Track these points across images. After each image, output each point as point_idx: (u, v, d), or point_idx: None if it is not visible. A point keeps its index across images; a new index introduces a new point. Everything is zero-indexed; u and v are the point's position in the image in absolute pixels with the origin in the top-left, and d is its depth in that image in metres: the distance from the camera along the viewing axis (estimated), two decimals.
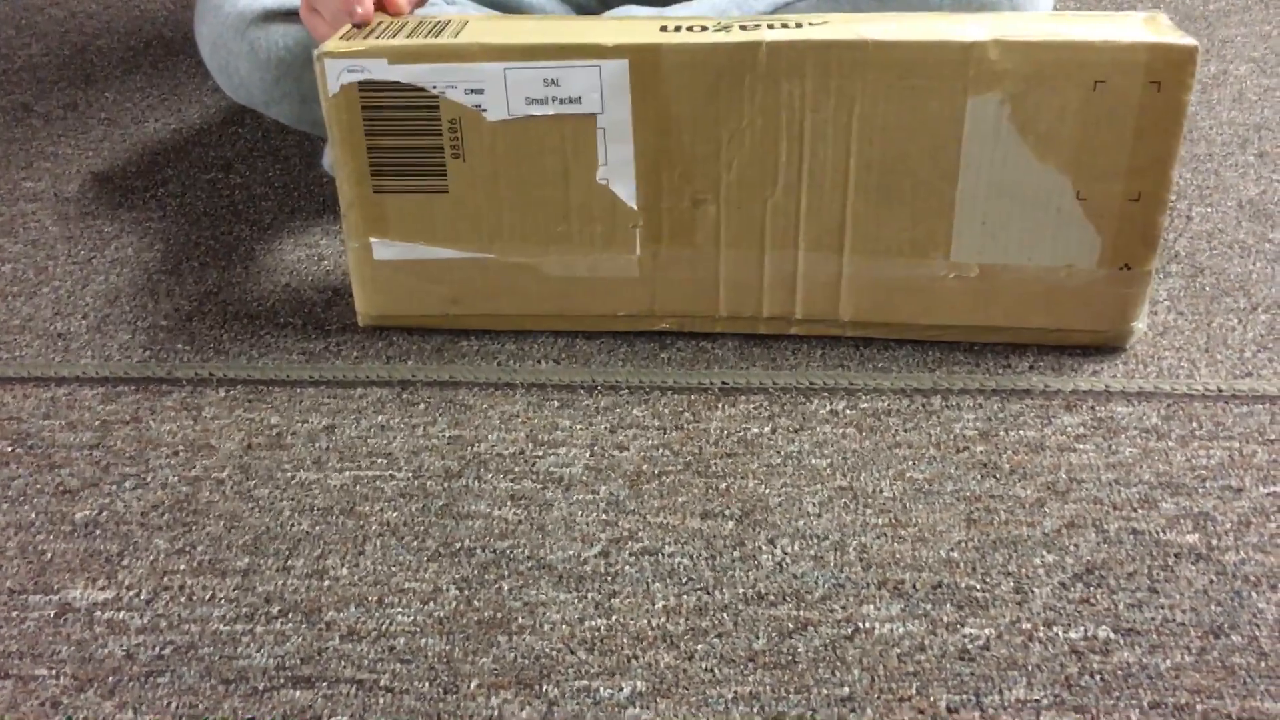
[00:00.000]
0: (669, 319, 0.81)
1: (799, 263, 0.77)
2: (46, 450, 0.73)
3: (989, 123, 0.71)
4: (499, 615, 0.60)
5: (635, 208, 0.77)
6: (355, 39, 0.75)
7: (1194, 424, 0.72)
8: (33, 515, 0.68)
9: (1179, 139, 0.71)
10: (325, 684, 0.57)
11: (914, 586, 0.61)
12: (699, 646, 0.58)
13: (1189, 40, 0.69)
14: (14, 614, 0.61)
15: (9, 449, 0.73)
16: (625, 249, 0.78)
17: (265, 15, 0.88)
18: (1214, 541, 0.64)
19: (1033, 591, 0.61)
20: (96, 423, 0.75)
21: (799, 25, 0.73)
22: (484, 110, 0.75)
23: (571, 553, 0.64)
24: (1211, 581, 0.61)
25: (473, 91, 0.74)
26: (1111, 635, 0.58)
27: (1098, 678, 0.56)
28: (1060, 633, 0.58)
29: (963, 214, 0.74)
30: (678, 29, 0.74)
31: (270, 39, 0.88)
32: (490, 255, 0.79)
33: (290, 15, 0.88)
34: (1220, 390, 0.75)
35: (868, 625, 0.59)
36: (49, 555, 0.65)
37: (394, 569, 0.63)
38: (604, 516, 0.66)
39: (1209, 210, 0.96)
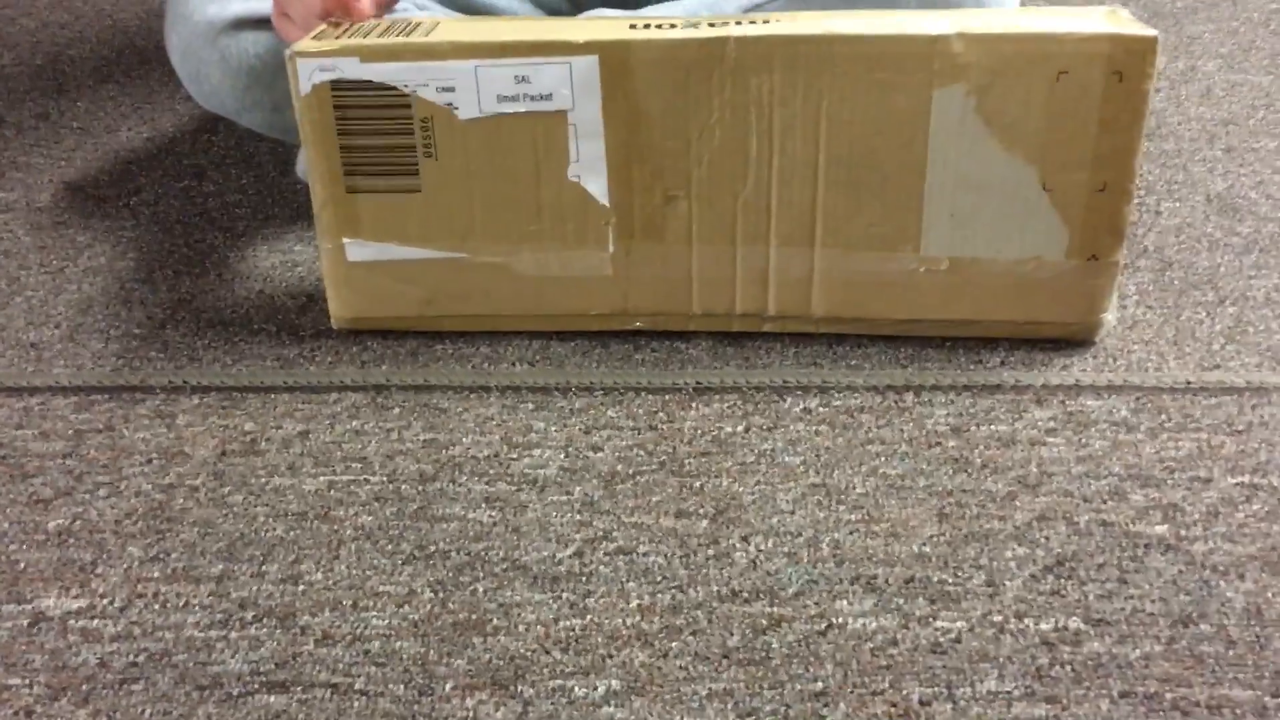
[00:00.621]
0: (642, 317, 0.81)
1: (771, 258, 0.78)
2: (19, 460, 0.72)
3: (955, 115, 0.72)
4: (474, 617, 0.60)
5: (607, 204, 0.77)
6: (327, 39, 0.75)
7: (1163, 416, 0.73)
8: (5, 525, 0.67)
9: (1142, 129, 0.71)
10: (300, 688, 0.57)
11: (886, 581, 0.62)
12: (673, 644, 0.58)
13: (1149, 31, 0.69)
14: None
15: None
16: (598, 246, 0.79)
17: (236, 23, 0.88)
18: (1183, 532, 0.64)
19: (1004, 584, 0.61)
20: (70, 432, 0.75)
21: (767, 22, 0.74)
22: (456, 108, 0.75)
23: (546, 554, 0.64)
24: (1180, 571, 0.62)
25: (444, 90, 0.74)
26: (1082, 626, 0.59)
27: (1068, 668, 0.56)
28: (1031, 624, 0.59)
29: (931, 207, 0.75)
30: (646, 26, 0.74)
31: (241, 47, 0.88)
32: (463, 255, 0.80)
33: (261, 23, 0.88)
34: (1189, 383, 0.76)
35: (841, 620, 0.59)
36: (22, 565, 0.65)
37: (369, 573, 0.63)
38: (579, 517, 0.66)
39: (1177, 205, 0.97)
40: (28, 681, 0.58)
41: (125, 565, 0.64)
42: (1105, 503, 0.66)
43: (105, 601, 0.62)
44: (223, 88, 0.90)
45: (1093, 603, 0.60)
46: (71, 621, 0.61)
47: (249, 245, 0.95)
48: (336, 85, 0.75)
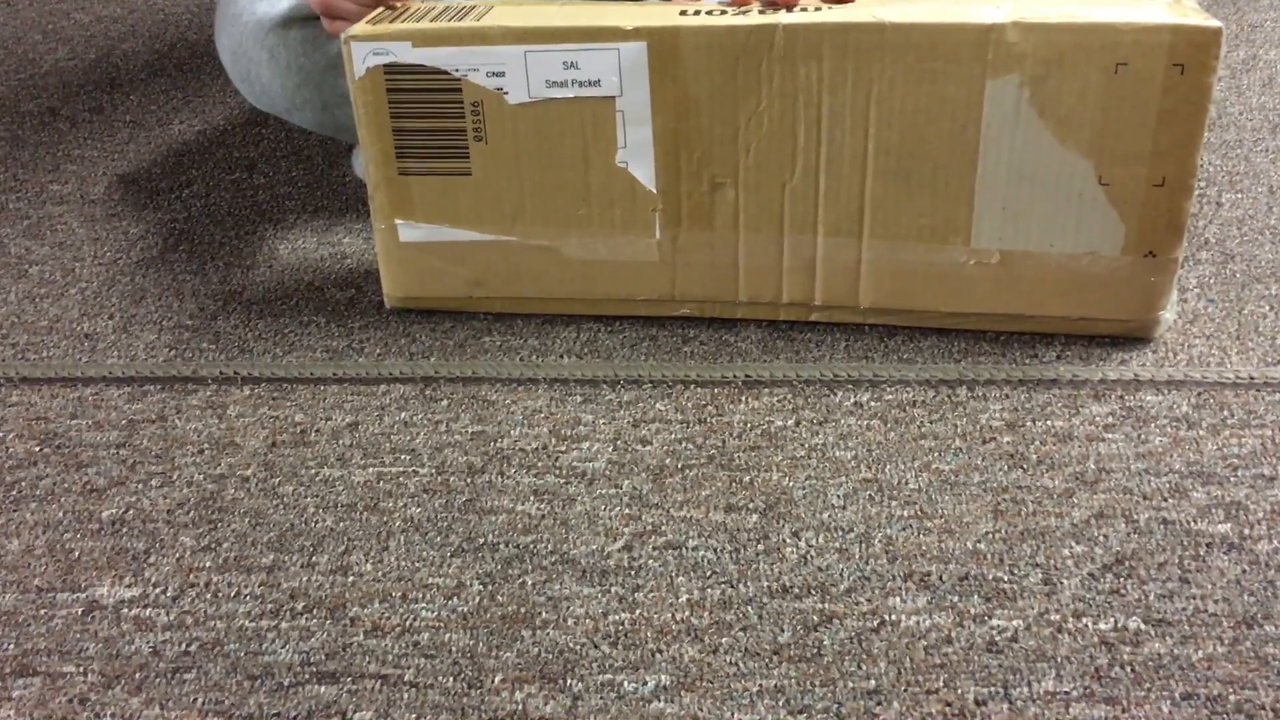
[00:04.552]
0: (689, 304, 0.81)
1: (818, 247, 0.77)
2: (74, 449, 0.73)
3: (1009, 106, 0.71)
4: (523, 610, 0.60)
5: (654, 191, 0.77)
6: (381, 23, 0.76)
7: (1225, 412, 0.71)
8: (60, 514, 0.68)
9: (1203, 123, 0.70)
10: (350, 679, 0.57)
11: (940, 578, 0.61)
12: (723, 640, 0.58)
13: (1213, 22, 0.67)
14: (42, 611, 0.61)
15: (37, 449, 0.73)
16: (645, 232, 0.78)
17: (284, 22, 0.89)
18: (1246, 531, 0.63)
19: (1061, 583, 0.60)
20: (123, 422, 0.75)
21: (818, 9, 0.73)
22: (505, 93, 0.75)
23: (595, 547, 0.64)
24: (1244, 571, 0.60)
25: (494, 74, 0.75)
26: (1142, 626, 0.57)
27: (1128, 669, 0.55)
28: (1090, 624, 0.58)
29: (983, 199, 0.74)
30: (697, 13, 0.74)
31: (290, 45, 0.88)
32: (512, 238, 0.80)
33: (310, 20, 0.88)
34: (1252, 378, 0.74)
35: (894, 618, 0.58)
36: (77, 553, 0.65)
37: (418, 564, 0.63)
38: (627, 511, 0.66)
39: (1239, 196, 0.95)
40: (82, 669, 0.58)
41: (177, 555, 0.65)
42: (1166, 500, 0.65)
43: (158, 590, 0.62)
44: (273, 87, 0.90)
45: (1153, 602, 0.58)
46: (125, 610, 0.61)
47: (299, 237, 0.96)
48: (390, 69, 0.75)
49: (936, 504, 0.65)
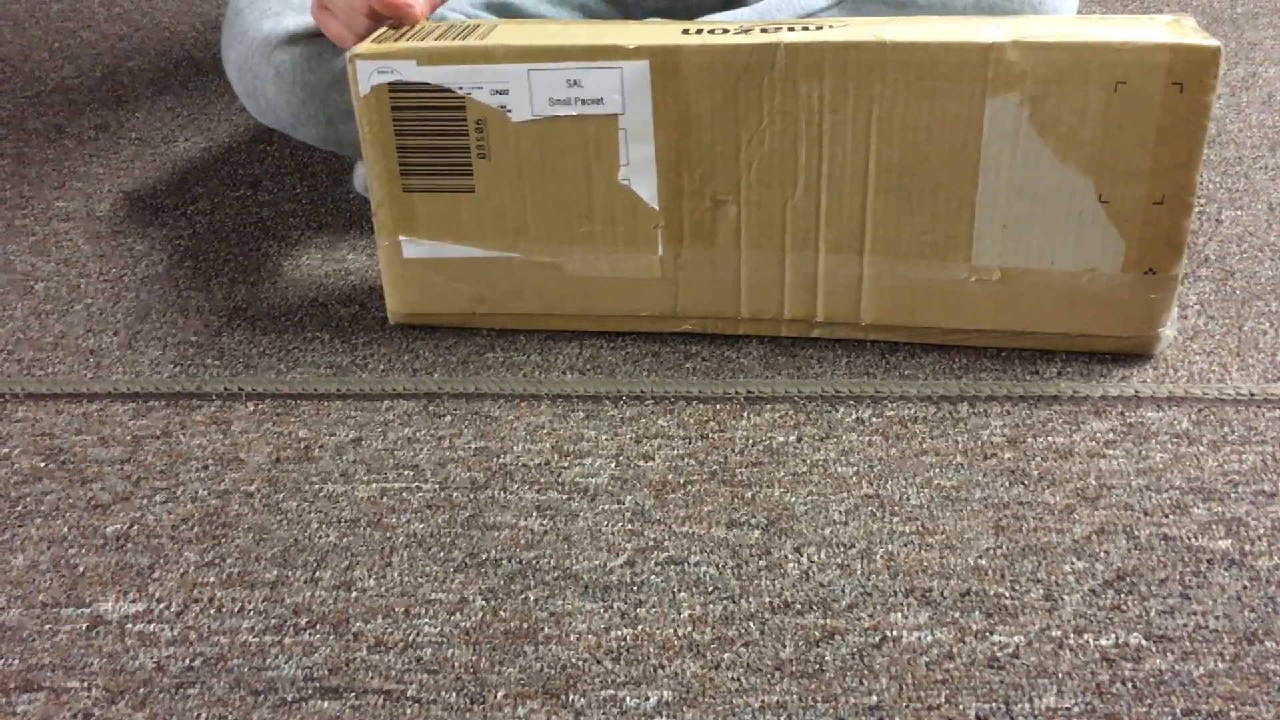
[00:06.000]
0: (692, 320, 0.81)
1: (819, 264, 0.77)
2: (79, 465, 0.74)
3: (1009, 124, 0.71)
4: (525, 625, 0.60)
5: (656, 208, 0.77)
6: (386, 41, 0.77)
7: (1226, 428, 0.71)
8: (65, 529, 0.68)
9: (1202, 141, 0.70)
10: (353, 695, 0.57)
11: (942, 594, 0.61)
12: (725, 655, 0.58)
13: (1212, 41, 0.68)
14: (46, 627, 0.62)
15: (42, 464, 0.74)
16: (647, 249, 0.79)
17: (290, 38, 0.89)
18: (1247, 547, 0.63)
19: (1063, 599, 0.60)
20: (128, 438, 0.76)
21: (819, 28, 0.73)
22: (509, 111, 0.76)
23: (597, 563, 0.64)
24: (1245, 587, 0.60)
25: (498, 92, 0.75)
26: (1143, 642, 0.57)
27: (1129, 685, 0.55)
28: (1091, 640, 0.58)
29: (983, 216, 0.74)
30: (699, 31, 0.75)
31: (295, 62, 0.89)
32: (515, 254, 0.80)
33: (315, 37, 0.89)
34: (1252, 394, 0.74)
35: (895, 634, 0.59)
36: (81, 569, 0.66)
37: (421, 580, 0.63)
38: (630, 526, 0.66)
39: (1239, 213, 0.95)
40: (86, 684, 0.58)
41: (181, 570, 0.65)
42: (1166, 516, 0.65)
43: (162, 606, 0.63)
44: (278, 103, 0.91)
45: (1154, 618, 0.59)
46: (129, 625, 0.62)
47: (303, 253, 0.96)
48: (394, 87, 0.76)
49: (938, 520, 0.66)
